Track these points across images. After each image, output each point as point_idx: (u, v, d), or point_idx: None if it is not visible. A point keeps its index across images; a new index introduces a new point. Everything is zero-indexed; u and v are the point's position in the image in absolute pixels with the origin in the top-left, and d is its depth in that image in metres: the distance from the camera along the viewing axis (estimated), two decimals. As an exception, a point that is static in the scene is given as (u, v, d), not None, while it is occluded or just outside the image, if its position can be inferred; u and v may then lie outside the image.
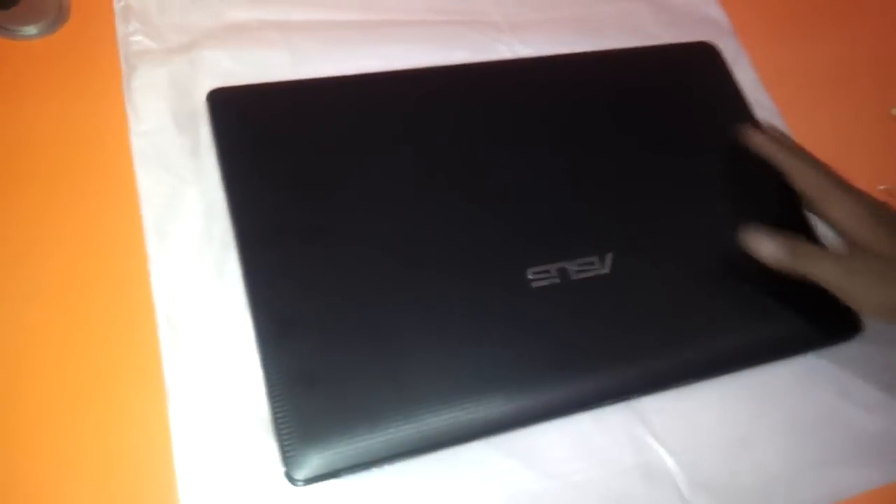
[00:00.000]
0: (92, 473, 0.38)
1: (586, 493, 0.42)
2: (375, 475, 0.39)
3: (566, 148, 0.49)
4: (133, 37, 0.48)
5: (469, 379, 0.41)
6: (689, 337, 0.46)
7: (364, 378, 0.39)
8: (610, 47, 0.56)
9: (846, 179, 0.48)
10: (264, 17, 0.51)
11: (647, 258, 0.47)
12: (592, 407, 0.43)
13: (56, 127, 0.45)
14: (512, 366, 0.42)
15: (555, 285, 0.44)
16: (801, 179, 0.48)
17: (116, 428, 0.39)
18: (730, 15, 0.63)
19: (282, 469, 0.37)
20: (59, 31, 0.48)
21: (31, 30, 0.47)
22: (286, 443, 0.37)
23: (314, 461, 0.37)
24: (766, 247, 0.46)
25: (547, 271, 0.44)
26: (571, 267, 0.45)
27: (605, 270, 0.45)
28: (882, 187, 0.58)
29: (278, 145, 0.45)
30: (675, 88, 0.54)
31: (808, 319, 0.47)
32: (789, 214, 0.51)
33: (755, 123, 0.54)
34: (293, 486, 0.37)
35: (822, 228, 0.49)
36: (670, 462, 0.43)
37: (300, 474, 0.37)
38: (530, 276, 0.44)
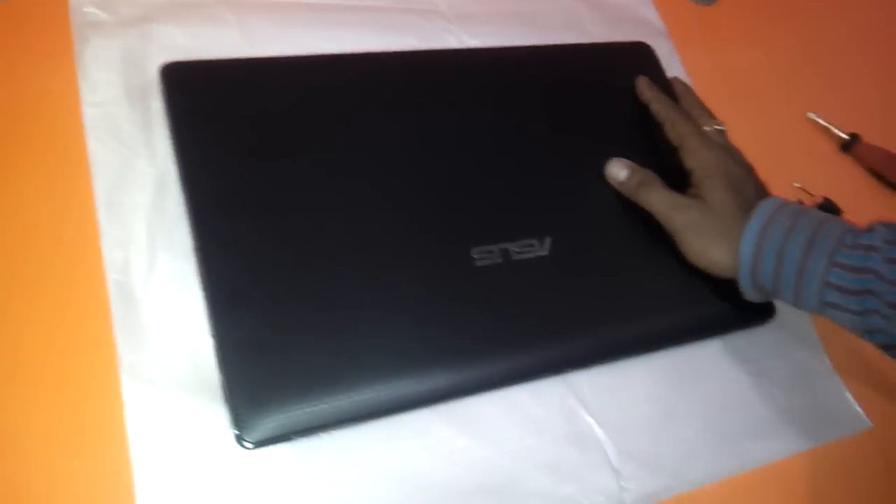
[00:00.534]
0: (43, 441, 0.38)
1: (522, 460, 0.44)
2: (324, 440, 0.40)
3: (510, 135, 0.52)
4: (86, 7, 0.47)
5: (414, 350, 0.42)
6: (620, 317, 0.49)
7: (314, 347, 0.41)
8: (551, 42, 0.59)
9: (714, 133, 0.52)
10: (218, -5, 0.52)
11: (582, 243, 0.50)
12: (529, 380, 0.46)
13: (6, 94, 0.44)
14: (455, 339, 0.44)
15: (497, 265, 0.46)
16: (670, 130, 0.53)
17: (68, 397, 0.39)
18: (663, 18, 0.66)
19: (233, 433, 0.38)
20: (10, -2, 0.47)
21: (-20, -3, 0.46)
22: (237, 406, 0.38)
23: (265, 424, 0.38)
24: (617, 171, 0.51)
25: (490, 251, 0.46)
26: (513, 248, 0.47)
27: (545, 252, 0.48)
28: (797, 185, 0.62)
29: (231, 120, 0.45)
30: (612, 83, 0.57)
31: (728, 305, 0.50)
32: None
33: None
34: (244, 450, 0.38)
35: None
36: (600, 432, 0.46)
37: (251, 437, 0.38)
38: (475, 256, 0.46)
